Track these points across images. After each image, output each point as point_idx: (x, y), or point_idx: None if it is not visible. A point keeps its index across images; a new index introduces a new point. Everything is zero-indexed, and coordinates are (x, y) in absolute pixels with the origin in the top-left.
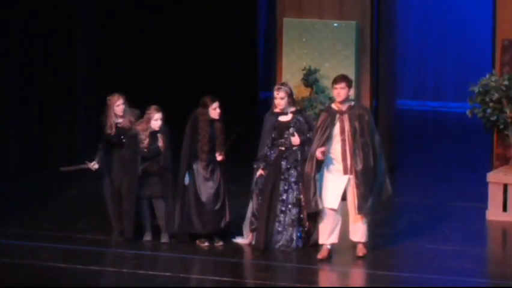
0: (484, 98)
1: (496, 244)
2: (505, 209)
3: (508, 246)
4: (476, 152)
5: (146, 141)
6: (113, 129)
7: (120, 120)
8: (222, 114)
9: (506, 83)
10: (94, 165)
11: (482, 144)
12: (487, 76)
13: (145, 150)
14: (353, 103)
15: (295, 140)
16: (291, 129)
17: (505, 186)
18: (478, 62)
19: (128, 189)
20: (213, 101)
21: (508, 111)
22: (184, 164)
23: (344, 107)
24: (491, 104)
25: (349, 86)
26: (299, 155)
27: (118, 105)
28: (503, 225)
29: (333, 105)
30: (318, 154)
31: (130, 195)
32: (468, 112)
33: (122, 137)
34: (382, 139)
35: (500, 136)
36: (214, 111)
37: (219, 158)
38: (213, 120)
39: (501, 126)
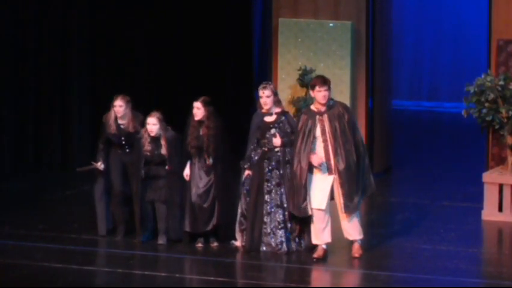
0: (479, 98)
1: (491, 244)
2: (500, 209)
3: (504, 246)
4: (472, 152)
5: (147, 146)
6: (113, 128)
7: (122, 121)
8: (209, 117)
9: (501, 83)
10: (101, 165)
11: (478, 144)
12: (483, 76)
13: (148, 154)
14: (331, 102)
15: (276, 141)
16: (272, 130)
17: (501, 186)
18: (473, 62)
19: (133, 191)
20: (195, 100)
21: (503, 111)
22: (185, 160)
23: (323, 108)
24: (486, 104)
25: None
26: (281, 157)
27: (115, 106)
28: (498, 225)
29: (312, 107)
30: (316, 162)
31: (134, 198)
32: (463, 112)
33: (122, 138)
34: (377, 139)
35: (496, 136)
36: (193, 110)
37: (206, 162)
38: (202, 121)
39: (496, 126)
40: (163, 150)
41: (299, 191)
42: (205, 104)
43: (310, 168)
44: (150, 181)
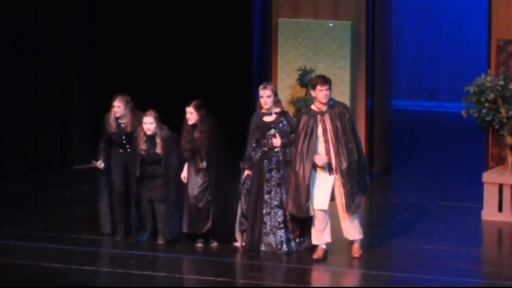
0: (479, 98)
1: (491, 244)
2: (500, 209)
3: (504, 246)
4: (472, 152)
5: (142, 145)
6: (113, 128)
7: (123, 121)
8: (202, 121)
9: (501, 83)
10: (101, 164)
11: (478, 144)
12: (483, 76)
13: (143, 153)
14: (332, 102)
15: (276, 141)
16: (272, 131)
17: (500, 186)
18: (473, 62)
19: (131, 191)
20: (187, 105)
21: (503, 111)
22: (182, 162)
23: (324, 108)
24: (486, 104)
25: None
26: (281, 157)
27: (114, 107)
28: (498, 225)
29: (313, 107)
30: (320, 162)
31: (131, 197)
32: (463, 112)
33: (123, 137)
34: (377, 139)
35: (495, 136)
36: (187, 115)
37: (199, 165)
38: (196, 124)
39: (496, 126)
40: (159, 149)
41: (302, 191)
42: (198, 108)
43: (313, 168)
44: (147, 180)
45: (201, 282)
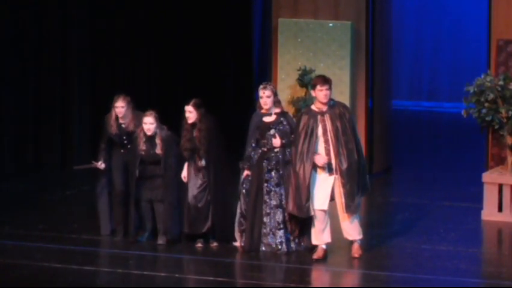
0: (479, 98)
1: (491, 244)
2: (500, 209)
3: (503, 246)
4: (471, 152)
5: (142, 145)
6: (114, 129)
7: (123, 121)
8: (201, 120)
9: (501, 83)
10: (101, 164)
11: (478, 144)
12: (482, 76)
13: (143, 153)
14: (332, 102)
15: (276, 142)
16: (272, 131)
17: (500, 187)
18: (473, 62)
19: (131, 191)
20: (186, 104)
21: (503, 111)
22: (182, 162)
23: (324, 108)
24: (486, 104)
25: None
26: (281, 157)
27: (117, 107)
28: (498, 226)
29: (313, 107)
30: (320, 163)
31: (130, 198)
32: (463, 112)
33: (124, 137)
34: (377, 139)
35: (495, 136)
36: (186, 114)
37: (199, 164)
38: (196, 123)
39: (496, 126)
40: (158, 150)
41: (302, 191)
42: (197, 107)
43: (313, 168)
44: (147, 181)
45: (200, 282)
